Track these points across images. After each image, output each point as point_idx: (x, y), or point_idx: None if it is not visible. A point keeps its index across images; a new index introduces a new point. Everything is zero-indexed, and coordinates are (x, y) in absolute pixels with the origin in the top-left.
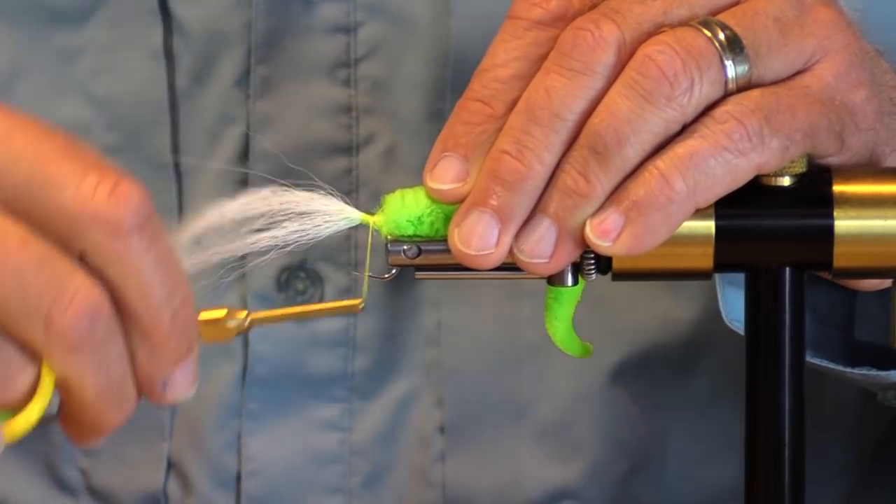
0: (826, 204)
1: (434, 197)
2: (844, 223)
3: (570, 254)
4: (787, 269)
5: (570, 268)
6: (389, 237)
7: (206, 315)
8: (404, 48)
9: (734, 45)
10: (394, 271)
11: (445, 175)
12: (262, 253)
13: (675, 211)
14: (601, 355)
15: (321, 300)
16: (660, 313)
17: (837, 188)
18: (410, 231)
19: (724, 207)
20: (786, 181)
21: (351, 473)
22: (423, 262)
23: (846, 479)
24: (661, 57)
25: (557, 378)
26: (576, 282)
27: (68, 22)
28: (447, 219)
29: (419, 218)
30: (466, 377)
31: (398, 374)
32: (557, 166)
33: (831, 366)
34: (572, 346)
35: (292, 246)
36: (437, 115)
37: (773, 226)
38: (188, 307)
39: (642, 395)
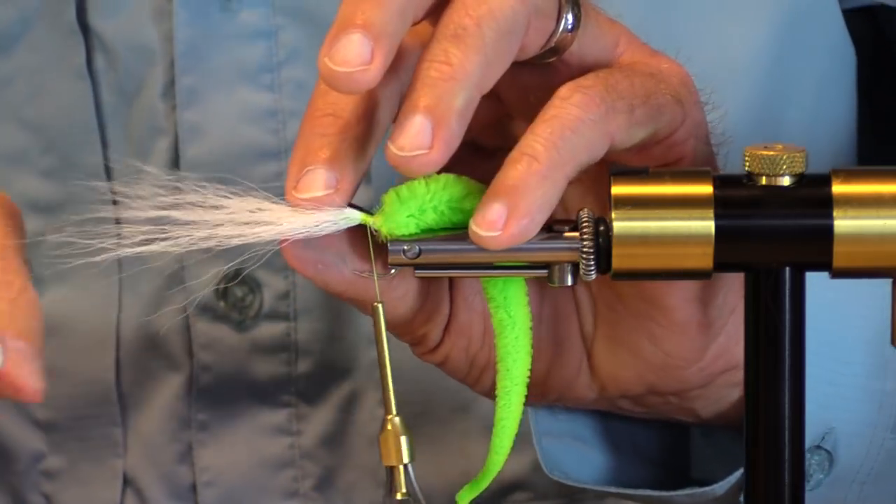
0: (826, 204)
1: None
2: (844, 223)
3: (449, 142)
4: (787, 269)
5: (569, 266)
6: (389, 237)
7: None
8: None
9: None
10: (393, 271)
11: (314, 185)
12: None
13: (550, 187)
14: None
15: (260, 307)
16: None
17: (837, 188)
18: (413, 226)
19: (725, 207)
20: (785, 181)
21: (303, 477)
22: (422, 261)
23: None
24: None
25: None
26: (575, 281)
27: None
28: (451, 203)
29: (421, 209)
30: (409, 375)
31: (342, 376)
32: (416, 68)
33: (655, 494)
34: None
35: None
36: None
37: (773, 226)
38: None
39: None
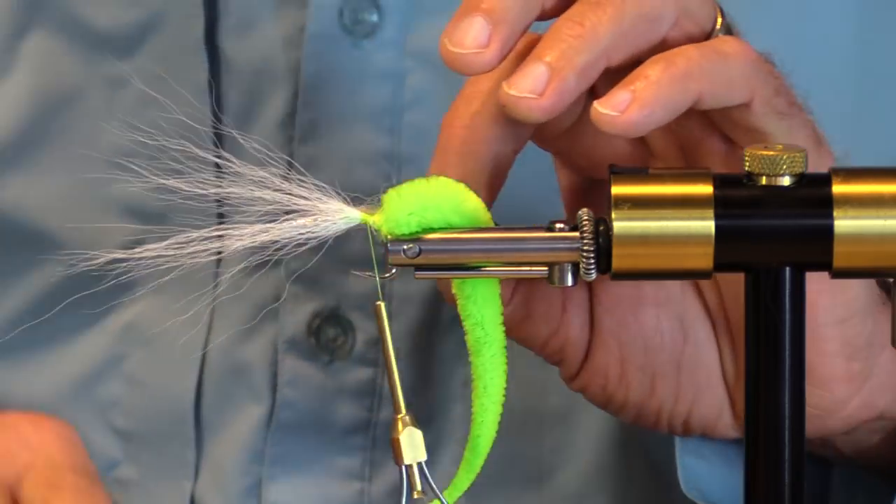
0: (826, 204)
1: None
2: (844, 223)
3: (562, 93)
4: (787, 269)
5: (569, 266)
6: (389, 237)
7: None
8: (449, 98)
9: None
10: (394, 271)
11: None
12: (261, 252)
13: (677, 92)
14: (623, 427)
15: (351, 349)
16: None
17: (837, 188)
18: (415, 224)
19: (725, 207)
20: (786, 181)
21: None
22: (422, 261)
23: None
24: None
25: (580, 446)
26: (575, 281)
27: (117, 50)
28: (451, 204)
29: (423, 206)
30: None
31: (422, 427)
32: (551, 25)
33: None
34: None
35: (291, 245)
36: None
37: (773, 226)
38: None
39: (659, 468)
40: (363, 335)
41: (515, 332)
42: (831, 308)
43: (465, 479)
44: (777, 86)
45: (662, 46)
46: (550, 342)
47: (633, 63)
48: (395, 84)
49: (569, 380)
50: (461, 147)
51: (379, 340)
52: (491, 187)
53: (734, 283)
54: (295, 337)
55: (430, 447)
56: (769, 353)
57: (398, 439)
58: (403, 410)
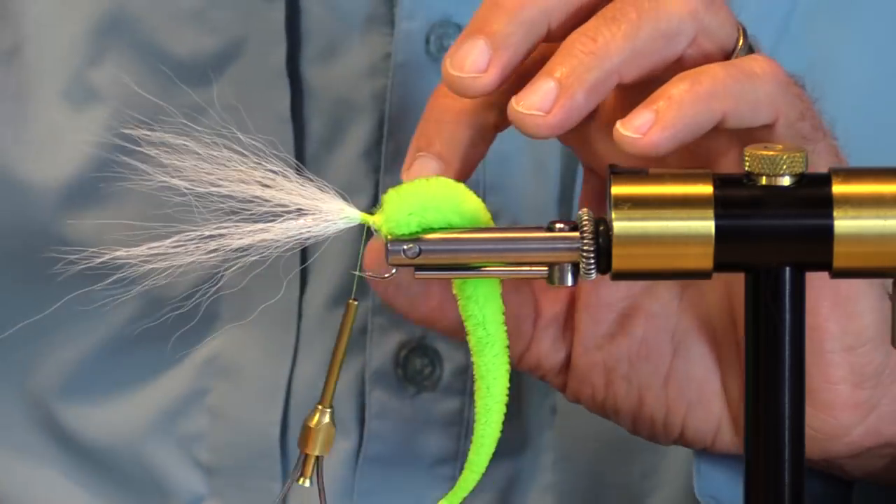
0: (826, 204)
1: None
2: (844, 223)
3: (570, 111)
4: (787, 269)
5: (569, 266)
6: (389, 237)
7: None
8: None
9: None
10: (394, 271)
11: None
12: (260, 252)
13: (702, 112)
14: None
15: (439, 379)
16: None
17: (837, 188)
18: (414, 224)
19: (725, 207)
20: (786, 181)
21: None
22: (422, 261)
23: None
24: None
25: (671, 472)
26: (575, 281)
27: (195, 78)
28: (451, 204)
29: (423, 206)
30: (579, 463)
31: (508, 455)
32: (566, 39)
33: None
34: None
35: (290, 245)
36: (565, 198)
37: (773, 226)
38: None
39: None
40: (450, 365)
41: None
42: (840, 336)
43: (469, 480)
44: (803, 109)
45: (679, 64)
46: (524, 358)
47: (648, 79)
48: None
49: (560, 390)
50: (440, 116)
51: (467, 369)
52: (467, 159)
53: (740, 303)
54: (382, 369)
55: (522, 474)
56: (769, 354)
57: (311, 428)
58: (328, 405)
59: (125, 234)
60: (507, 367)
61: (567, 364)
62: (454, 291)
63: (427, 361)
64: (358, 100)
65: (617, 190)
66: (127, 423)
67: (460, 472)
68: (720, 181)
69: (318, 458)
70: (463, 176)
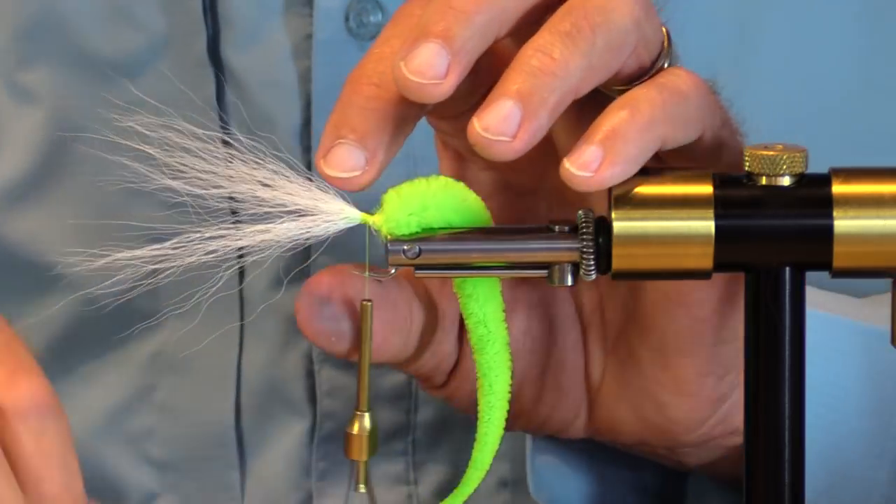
0: (826, 204)
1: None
2: (844, 223)
3: (534, 135)
4: (787, 269)
5: (569, 266)
6: (389, 237)
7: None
8: None
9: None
10: (393, 271)
11: (342, 163)
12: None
13: (647, 141)
14: None
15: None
16: None
17: (837, 188)
18: (414, 224)
19: (725, 207)
20: (785, 181)
21: None
22: (422, 261)
23: None
24: None
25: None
26: (575, 281)
27: (124, 76)
28: (451, 204)
29: (423, 205)
30: None
31: (460, 424)
32: (519, 53)
33: None
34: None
35: (291, 245)
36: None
37: (773, 226)
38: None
39: None
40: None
41: (391, 352)
42: (721, 329)
43: (474, 477)
44: (723, 117)
45: (615, 75)
46: (427, 363)
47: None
48: None
49: (433, 389)
50: (365, 103)
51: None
52: (390, 151)
53: (618, 287)
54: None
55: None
56: (769, 354)
57: (354, 434)
58: (366, 408)
59: (65, 233)
60: (510, 363)
61: (455, 367)
62: (454, 290)
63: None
64: (284, 82)
65: (617, 190)
66: (73, 426)
67: (412, 447)
68: (720, 181)
69: (366, 462)
70: (381, 169)
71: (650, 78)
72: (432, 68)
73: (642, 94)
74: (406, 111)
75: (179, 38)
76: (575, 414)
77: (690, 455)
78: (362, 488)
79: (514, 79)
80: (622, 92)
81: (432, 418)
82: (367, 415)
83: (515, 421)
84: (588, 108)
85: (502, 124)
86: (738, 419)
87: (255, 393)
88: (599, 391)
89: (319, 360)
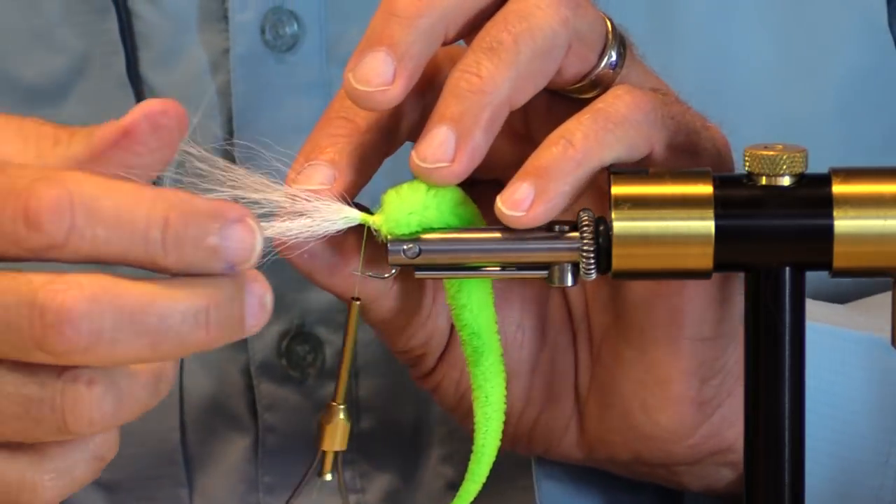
0: (826, 204)
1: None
2: (844, 223)
3: (473, 155)
4: (787, 269)
5: (569, 266)
6: (389, 237)
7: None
8: None
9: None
10: (393, 271)
11: (312, 179)
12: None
13: (581, 175)
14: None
15: (323, 364)
16: None
17: (837, 188)
18: (414, 224)
19: (725, 207)
20: (786, 181)
21: None
22: (422, 261)
23: None
24: None
25: None
26: (575, 281)
27: (48, 99)
28: (450, 204)
29: (424, 205)
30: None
31: (404, 432)
32: (448, 78)
33: None
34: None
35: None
36: None
37: (773, 226)
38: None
39: None
40: (331, 348)
41: (384, 323)
42: (698, 323)
43: (471, 490)
44: (676, 126)
45: (558, 75)
46: (417, 335)
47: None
48: (325, 94)
49: (422, 377)
50: (337, 131)
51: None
52: (360, 171)
53: (602, 288)
54: (266, 361)
55: (411, 456)
56: (769, 353)
57: (327, 425)
58: (341, 401)
59: None
60: (504, 374)
61: (442, 355)
62: (447, 301)
63: (309, 348)
64: (203, 98)
65: (617, 190)
66: None
67: (357, 456)
68: (720, 181)
69: (336, 453)
70: (354, 187)
71: (601, 81)
72: (379, 76)
73: (576, 126)
74: (376, 138)
75: (98, 61)
76: (565, 424)
77: (687, 474)
78: (326, 476)
79: (445, 104)
80: (582, 91)
81: (375, 426)
82: (341, 408)
83: (504, 427)
84: (557, 106)
85: (438, 151)
86: (731, 434)
87: (199, 410)
88: (588, 400)
89: (258, 373)
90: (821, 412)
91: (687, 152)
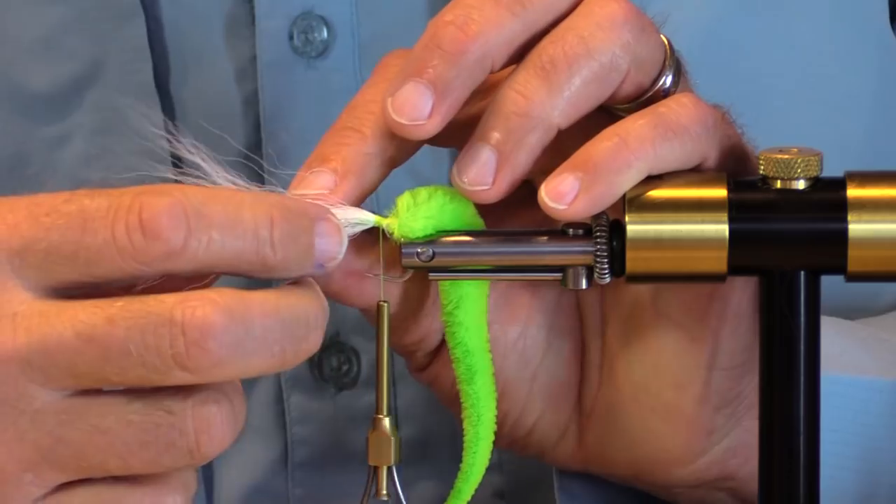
0: (840, 208)
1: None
2: (859, 227)
3: (513, 178)
4: (802, 272)
5: (583, 270)
6: (403, 240)
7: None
8: None
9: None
10: (408, 273)
11: (312, 184)
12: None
13: (629, 175)
14: None
15: (358, 375)
16: None
17: (851, 192)
18: (429, 227)
19: (739, 211)
20: (800, 185)
21: None
22: (436, 264)
23: None
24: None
25: None
26: (589, 284)
27: (58, 107)
28: (466, 205)
29: (441, 208)
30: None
31: (446, 440)
32: (498, 91)
33: None
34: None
35: None
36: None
37: (788, 229)
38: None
39: None
40: (367, 358)
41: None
42: (716, 353)
43: None
44: (730, 146)
45: (611, 99)
46: (411, 331)
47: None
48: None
49: (418, 370)
50: (342, 140)
51: None
52: (362, 177)
53: (618, 306)
54: (297, 373)
55: (451, 465)
56: (783, 358)
57: (376, 440)
58: (385, 412)
59: None
60: (495, 394)
61: (440, 347)
62: (442, 319)
63: (344, 358)
64: (231, 106)
65: (631, 193)
66: None
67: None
68: (734, 184)
69: (389, 468)
70: (357, 194)
71: (652, 103)
72: (416, 109)
73: (634, 128)
74: (383, 149)
75: (118, 67)
76: (561, 433)
77: (684, 495)
78: (385, 495)
79: (492, 123)
80: (626, 110)
81: (415, 435)
82: (386, 419)
83: (499, 429)
84: (596, 118)
85: (481, 173)
86: (736, 464)
87: None
88: (591, 417)
89: (288, 386)
90: (843, 454)
91: (733, 175)
